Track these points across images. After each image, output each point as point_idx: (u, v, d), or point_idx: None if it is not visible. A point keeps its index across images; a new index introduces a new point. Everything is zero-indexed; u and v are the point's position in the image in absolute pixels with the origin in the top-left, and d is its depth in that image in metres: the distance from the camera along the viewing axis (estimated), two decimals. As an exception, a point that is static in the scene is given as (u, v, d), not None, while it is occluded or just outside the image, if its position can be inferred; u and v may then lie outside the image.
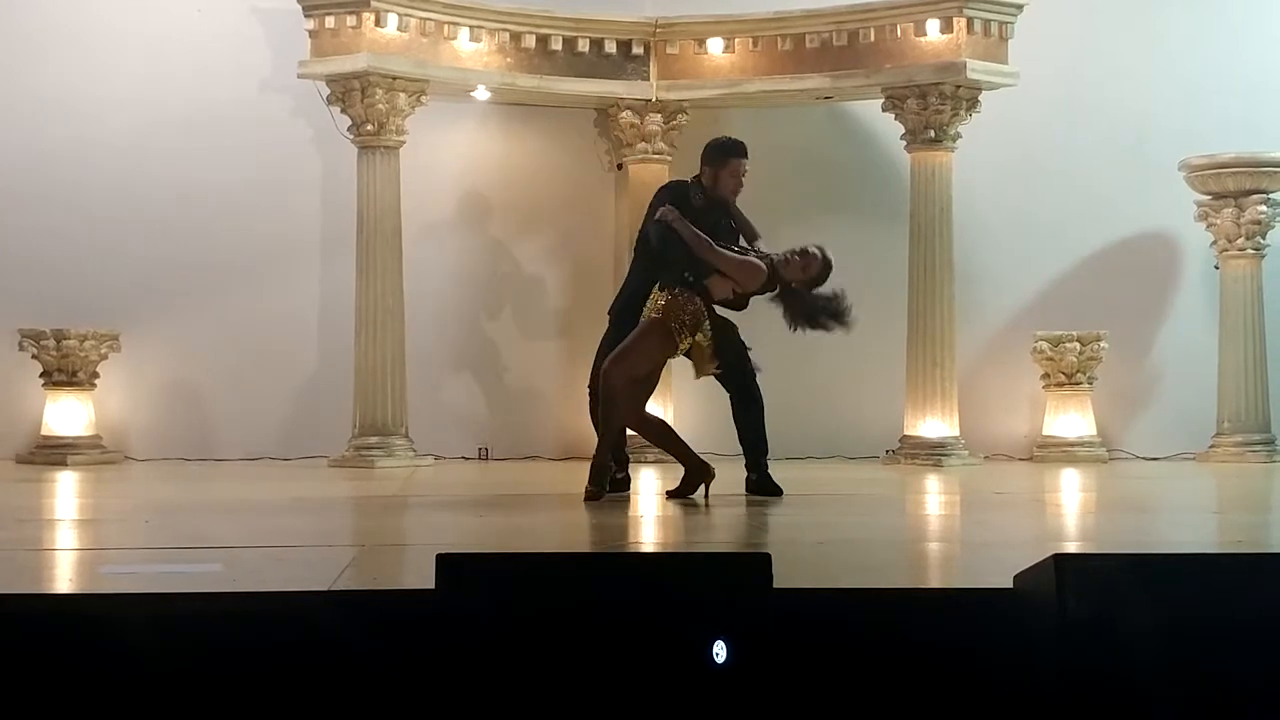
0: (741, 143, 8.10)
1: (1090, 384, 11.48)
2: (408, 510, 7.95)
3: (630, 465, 8.33)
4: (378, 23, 10.59)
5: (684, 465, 7.89)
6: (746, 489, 8.03)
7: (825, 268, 7.74)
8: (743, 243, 7.86)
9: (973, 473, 10.43)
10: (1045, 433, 11.55)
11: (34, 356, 10.91)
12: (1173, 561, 3.80)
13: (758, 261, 7.63)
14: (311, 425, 11.24)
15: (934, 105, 10.92)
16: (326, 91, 10.82)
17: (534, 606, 3.43)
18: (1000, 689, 3.59)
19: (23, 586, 4.44)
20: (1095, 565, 3.69)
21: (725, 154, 7.97)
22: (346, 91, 10.71)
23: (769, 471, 8.09)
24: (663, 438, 7.99)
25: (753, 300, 7.85)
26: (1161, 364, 11.98)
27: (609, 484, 7.75)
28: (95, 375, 11.02)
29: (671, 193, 7.96)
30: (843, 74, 11.21)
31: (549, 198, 11.83)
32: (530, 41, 11.16)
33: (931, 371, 10.99)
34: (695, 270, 7.53)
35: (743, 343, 7.91)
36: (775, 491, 8.00)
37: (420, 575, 3.71)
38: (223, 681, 3.51)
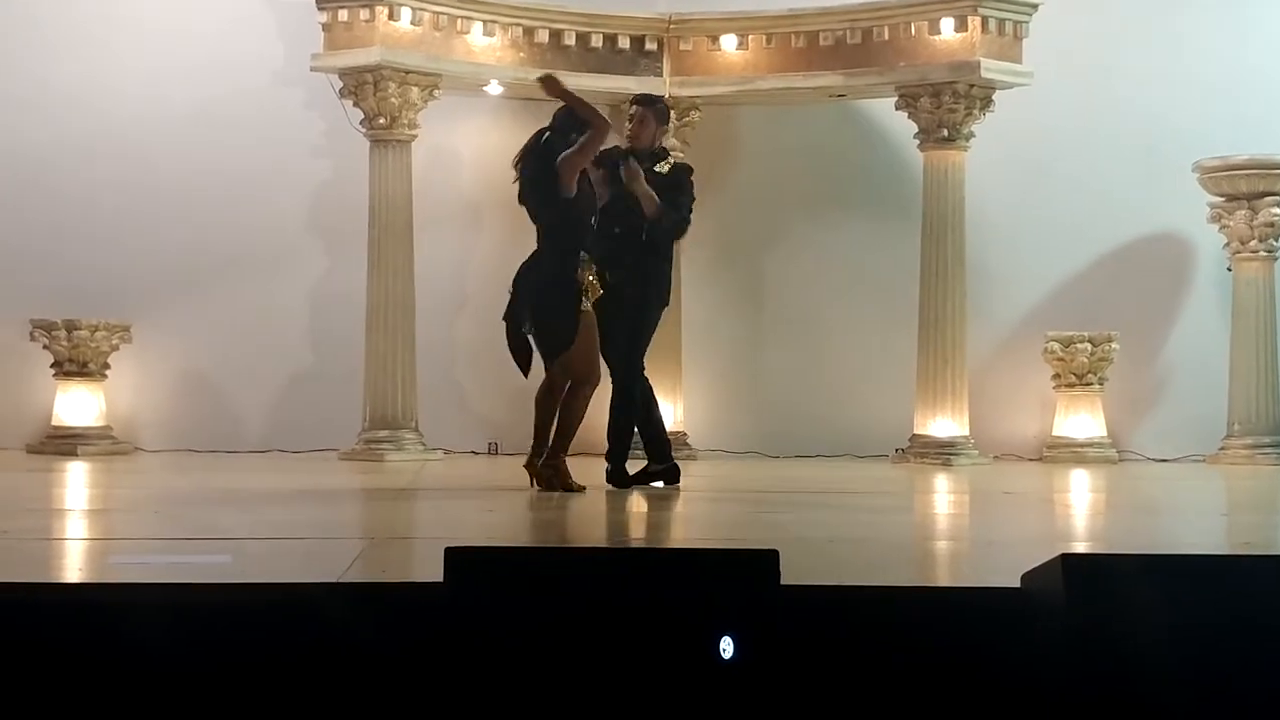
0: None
1: (1101, 385, 11.47)
2: (417, 503, 7.96)
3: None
4: (391, 16, 10.60)
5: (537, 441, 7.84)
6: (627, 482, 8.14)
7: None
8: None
9: (982, 472, 10.43)
10: (1055, 433, 11.53)
11: (45, 347, 10.93)
12: (1181, 562, 3.79)
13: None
14: (322, 418, 11.25)
15: (947, 104, 10.91)
16: (339, 85, 10.83)
17: (542, 600, 3.43)
18: (1006, 687, 3.59)
19: (32, 576, 4.44)
20: (1103, 565, 3.69)
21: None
22: (359, 85, 10.72)
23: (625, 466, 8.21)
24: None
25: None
26: (1172, 365, 11.96)
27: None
28: (106, 366, 11.04)
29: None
30: (856, 72, 11.20)
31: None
32: (544, 36, 11.16)
33: (942, 370, 10.98)
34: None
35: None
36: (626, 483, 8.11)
37: (429, 568, 3.72)
38: (230, 672, 3.52)
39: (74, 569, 4.89)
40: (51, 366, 10.96)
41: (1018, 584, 3.78)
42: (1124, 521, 7.56)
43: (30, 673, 3.48)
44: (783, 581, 3.52)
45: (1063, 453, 11.36)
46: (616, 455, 8.18)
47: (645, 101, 8.54)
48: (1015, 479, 9.77)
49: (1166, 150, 11.59)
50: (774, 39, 11.39)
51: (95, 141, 11.27)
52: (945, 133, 10.98)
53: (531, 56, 11.17)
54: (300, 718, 3.53)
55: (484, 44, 11.07)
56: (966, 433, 10.98)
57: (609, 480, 8.07)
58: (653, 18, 11.46)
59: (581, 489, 7.65)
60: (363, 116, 10.82)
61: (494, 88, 11.37)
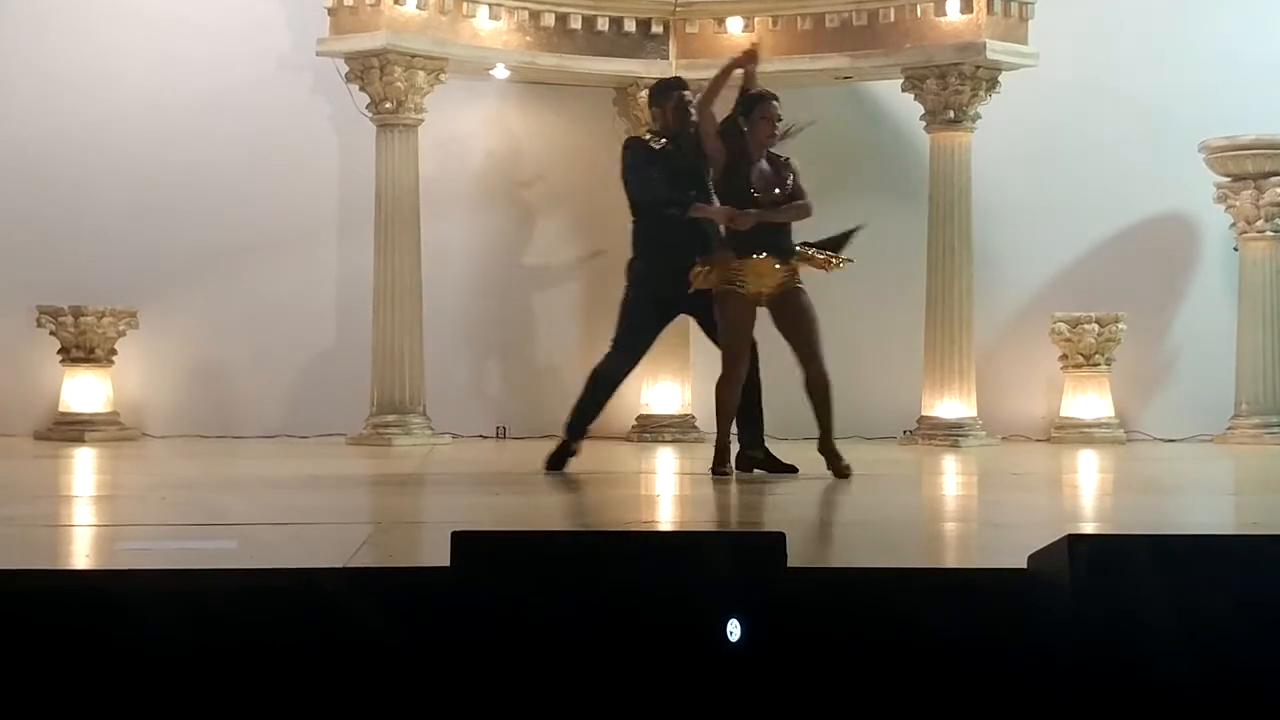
0: (677, 78, 8.88)
1: (1108, 365, 11.46)
2: (424, 488, 7.97)
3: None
4: (397, 0, 10.58)
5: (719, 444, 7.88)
6: (751, 466, 8.05)
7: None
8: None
9: (990, 453, 10.43)
10: (1063, 414, 11.53)
11: (52, 333, 10.95)
12: (1187, 542, 3.79)
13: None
14: (329, 403, 11.27)
15: (953, 85, 10.89)
16: (345, 69, 10.82)
17: (549, 584, 3.43)
18: (1013, 669, 3.59)
19: (40, 562, 4.45)
20: (1109, 546, 3.69)
21: (666, 90, 8.51)
22: (365, 69, 10.71)
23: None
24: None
25: None
26: (1180, 346, 11.95)
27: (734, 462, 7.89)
28: (113, 352, 11.06)
29: (635, 150, 8.42)
30: (862, 54, 11.18)
31: (567, 176, 11.82)
32: (549, 20, 11.15)
33: (950, 352, 10.97)
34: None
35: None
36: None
37: (436, 552, 3.72)
38: (237, 658, 3.52)
39: (81, 555, 4.90)
40: (58, 352, 10.97)
41: (1024, 565, 3.78)
42: (1131, 502, 7.56)
43: (37, 660, 3.48)
44: (790, 564, 3.53)
45: (1070, 433, 11.35)
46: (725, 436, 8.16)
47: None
48: (1023, 460, 9.77)
49: (1172, 131, 11.57)
50: (780, 21, 11.38)
51: (100, 128, 11.27)
52: (951, 114, 10.96)
53: (537, 40, 11.17)
54: (307, 703, 3.54)
55: (490, 28, 11.06)
56: (974, 414, 10.98)
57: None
58: (658, 1, 11.43)
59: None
60: (369, 101, 10.81)
61: (500, 71, 11.36)
